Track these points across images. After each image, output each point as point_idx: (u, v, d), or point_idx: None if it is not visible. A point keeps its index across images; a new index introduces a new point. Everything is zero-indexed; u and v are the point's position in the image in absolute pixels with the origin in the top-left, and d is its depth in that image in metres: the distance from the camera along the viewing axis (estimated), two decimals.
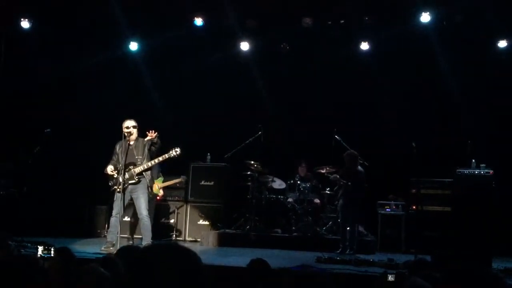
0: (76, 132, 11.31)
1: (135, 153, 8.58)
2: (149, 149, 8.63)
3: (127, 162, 8.48)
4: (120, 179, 8.44)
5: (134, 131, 8.62)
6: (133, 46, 11.71)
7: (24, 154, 9.40)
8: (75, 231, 10.20)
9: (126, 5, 10.88)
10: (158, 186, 10.14)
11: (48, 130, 9.23)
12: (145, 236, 8.61)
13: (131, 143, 8.61)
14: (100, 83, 11.67)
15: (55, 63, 11.33)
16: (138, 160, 8.57)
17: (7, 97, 11.24)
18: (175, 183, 10.77)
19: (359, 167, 9.51)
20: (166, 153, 8.62)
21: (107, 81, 11.69)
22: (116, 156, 8.67)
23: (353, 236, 9.37)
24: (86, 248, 8.56)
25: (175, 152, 8.59)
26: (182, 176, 10.81)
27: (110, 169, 8.63)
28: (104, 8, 10.86)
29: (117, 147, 8.71)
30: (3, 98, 11.20)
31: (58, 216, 10.35)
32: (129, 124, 8.58)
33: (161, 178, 10.35)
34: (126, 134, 8.53)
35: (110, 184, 8.68)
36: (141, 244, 8.57)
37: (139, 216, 8.66)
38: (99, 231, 10.90)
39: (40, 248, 5.39)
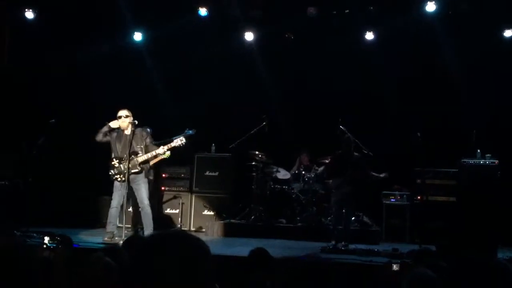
0: (81, 123, 11.30)
1: (134, 144, 8.57)
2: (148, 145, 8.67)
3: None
4: (123, 168, 8.45)
5: (126, 120, 8.60)
6: (138, 36, 11.68)
7: (28, 145, 9.40)
8: (80, 221, 10.22)
9: None
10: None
11: (53, 120, 9.24)
12: (146, 226, 8.60)
13: (126, 132, 8.61)
14: (104, 74, 11.64)
15: (59, 53, 11.31)
16: (139, 150, 8.59)
17: (12, 87, 11.23)
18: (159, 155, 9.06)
19: (356, 153, 9.32)
20: (171, 142, 8.62)
21: (111, 72, 11.65)
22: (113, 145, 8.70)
23: (348, 224, 9.13)
24: (91, 238, 8.59)
25: (180, 141, 8.59)
26: (187, 131, 9.17)
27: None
28: None
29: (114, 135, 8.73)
30: (7, 89, 11.20)
31: (62, 206, 10.37)
32: (122, 114, 8.59)
33: None
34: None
35: (110, 173, 8.65)
36: (143, 233, 8.57)
37: (140, 205, 8.66)
38: (104, 221, 10.89)
39: (47, 238, 5.40)
